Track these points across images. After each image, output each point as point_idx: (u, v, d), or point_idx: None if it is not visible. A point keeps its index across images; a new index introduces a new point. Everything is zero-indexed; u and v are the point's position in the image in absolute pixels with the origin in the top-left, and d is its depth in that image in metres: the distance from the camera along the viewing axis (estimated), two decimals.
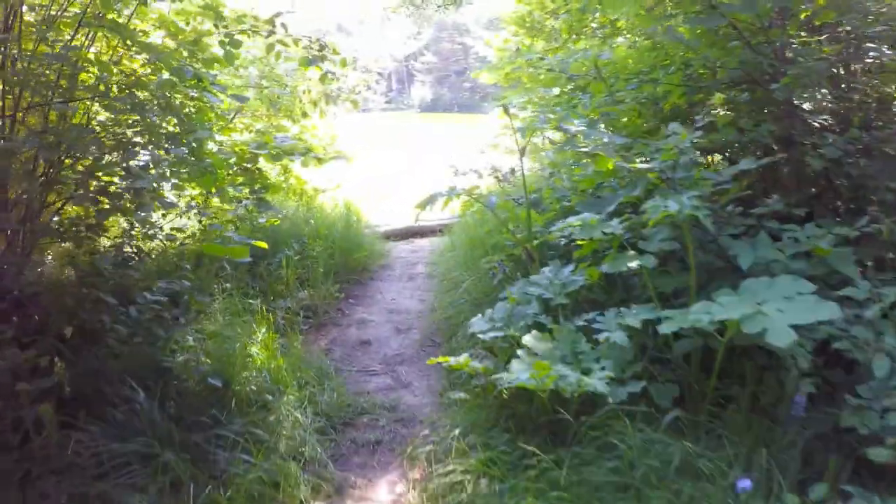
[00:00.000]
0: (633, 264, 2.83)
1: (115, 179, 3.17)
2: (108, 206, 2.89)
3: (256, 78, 6.07)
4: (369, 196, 10.99)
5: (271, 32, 3.59)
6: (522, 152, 3.77)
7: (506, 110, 3.76)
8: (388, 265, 6.19)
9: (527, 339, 2.84)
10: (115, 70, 3.97)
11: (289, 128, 7.91)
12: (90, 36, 3.96)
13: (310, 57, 3.86)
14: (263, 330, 3.77)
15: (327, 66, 4.24)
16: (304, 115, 7.71)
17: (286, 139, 5.19)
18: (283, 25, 3.66)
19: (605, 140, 3.10)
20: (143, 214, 2.85)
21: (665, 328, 2.52)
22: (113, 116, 3.64)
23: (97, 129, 3.63)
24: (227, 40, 3.43)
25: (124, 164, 2.95)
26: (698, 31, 4.23)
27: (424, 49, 53.33)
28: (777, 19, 4.08)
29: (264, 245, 3.44)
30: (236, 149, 5.02)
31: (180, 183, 3.27)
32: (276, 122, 7.98)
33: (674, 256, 3.22)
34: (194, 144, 4.16)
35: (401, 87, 52.86)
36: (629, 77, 4.43)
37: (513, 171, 5.35)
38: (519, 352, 2.81)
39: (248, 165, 5.07)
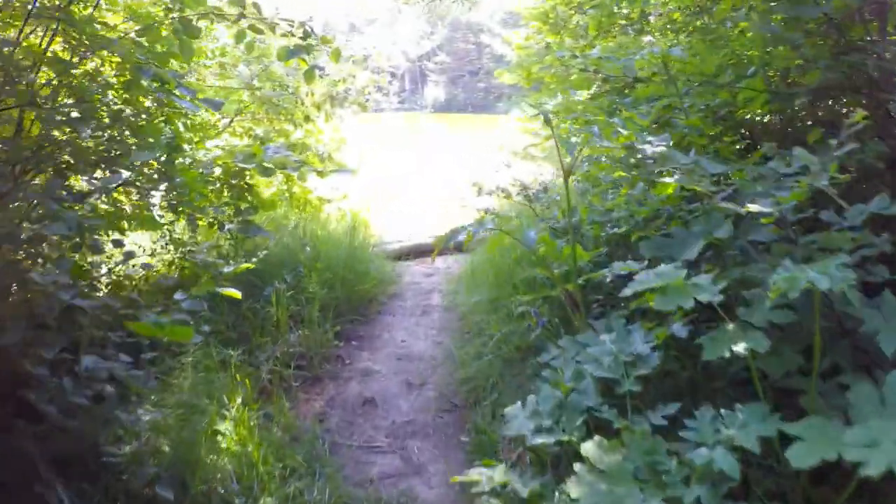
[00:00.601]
0: (740, 348, 2.01)
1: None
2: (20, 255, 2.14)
3: (248, 78, 5.29)
4: (378, 197, 10.56)
5: (241, 16, 2.80)
6: (568, 174, 2.96)
7: (547, 121, 2.96)
8: (399, 294, 5.39)
9: (587, 449, 2.03)
10: (71, 71, 3.24)
11: (292, 132, 7.24)
12: (52, 31, 3.25)
13: (291, 47, 3.06)
14: (239, 400, 2.99)
15: (324, 59, 3.43)
16: (307, 118, 7.00)
17: (280, 150, 4.42)
18: (256, 6, 2.85)
19: (696, 165, 2.28)
20: (56, 276, 2.06)
21: (800, 460, 1.70)
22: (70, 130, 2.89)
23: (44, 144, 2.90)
24: (181, 27, 2.64)
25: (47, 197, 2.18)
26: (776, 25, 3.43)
27: (438, 49, 52.56)
28: (858, 12, 3.28)
29: (237, 295, 2.66)
30: (219, 162, 4.27)
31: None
32: (278, 126, 7.30)
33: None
34: (162, 158, 3.42)
35: (414, 88, 52.13)
36: (690, 79, 3.61)
37: (545, 188, 4.56)
38: (577, 466, 2.00)
39: (234, 181, 4.32)
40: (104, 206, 3.61)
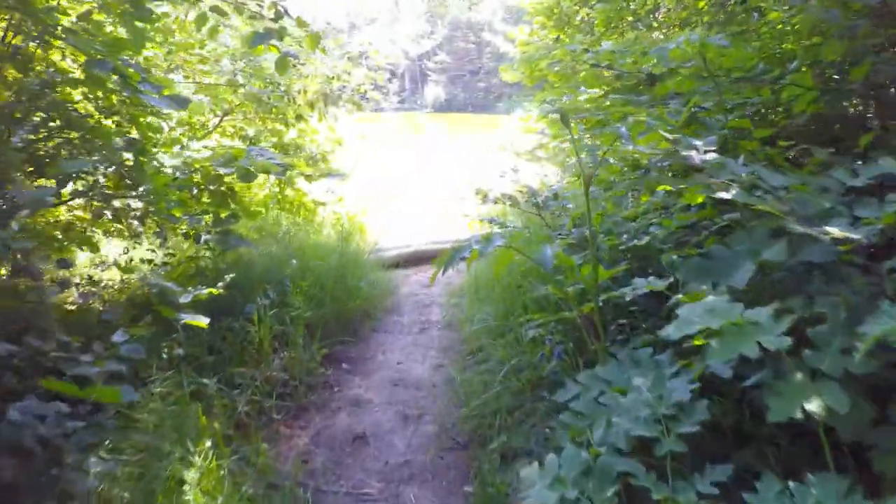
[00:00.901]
0: (814, 407, 1.61)
1: None
2: None
3: (232, 73, 4.88)
4: (378, 197, 10.51)
5: None
6: (588, 182, 2.56)
7: (565, 122, 2.56)
8: (395, 307, 4.98)
9: None
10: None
11: (284, 132, 6.87)
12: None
13: (261, 31, 2.64)
14: (209, 443, 2.59)
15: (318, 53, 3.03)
16: (299, 117, 6.62)
17: (264, 152, 4.02)
18: None
19: (756, 177, 1.87)
20: None
21: None
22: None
23: None
24: (131, 10, 2.24)
25: None
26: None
27: (438, 48, 52.23)
28: None
29: (202, 324, 2.26)
30: (197, 166, 3.88)
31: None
32: (271, 126, 6.93)
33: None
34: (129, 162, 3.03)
35: (414, 87, 51.81)
36: (727, 73, 3.21)
37: (556, 195, 4.16)
38: None
39: (213, 187, 3.93)
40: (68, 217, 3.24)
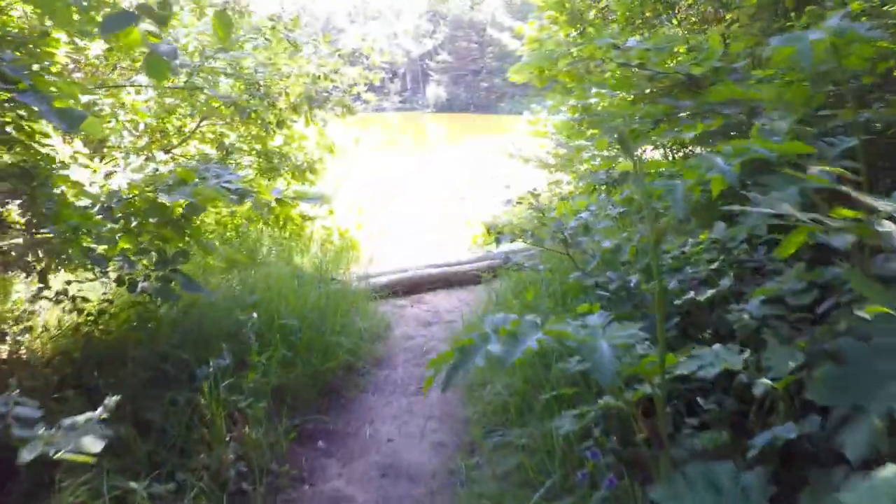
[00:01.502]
0: None
1: None
2: None
3: (187, 74, 4.08)
4: (377, 198, 10.12)
5: None
6: (659, 239, 1.75)
7: (627, 149, 1.76)
8: (387, 357, 4.13)
9: None
10: None
11: (269, 138, 6.13)
12: None
13: (134, 11, 1.83)
14: None
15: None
16: (281, 123, 5.85)
17: (223, 172, 3.23)
18: None
19: None
20: None
21: None
22: None
23: None
24: None
25: None
26: None
27: (439, 48, 51.55)
28: None
29: (87, 459, 1.46)
30: (135, 192, 3.09)
31: None
32: (255, 132, 6.18)
33: None
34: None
35: (415, 87, 51.13)
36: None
37: (586, 227, 3.35)
38: None
39: (154, 220, 3.14)
40: None
